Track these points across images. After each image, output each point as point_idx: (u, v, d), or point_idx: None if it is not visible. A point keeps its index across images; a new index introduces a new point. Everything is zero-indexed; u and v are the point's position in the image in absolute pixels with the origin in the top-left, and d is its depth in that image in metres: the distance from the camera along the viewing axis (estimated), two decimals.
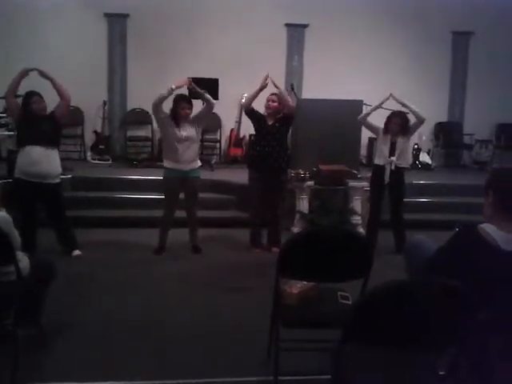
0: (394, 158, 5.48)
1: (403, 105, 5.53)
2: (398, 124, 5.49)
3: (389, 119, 5.58)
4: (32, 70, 4.92)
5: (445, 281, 1.94)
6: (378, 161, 5.67)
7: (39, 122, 4.90)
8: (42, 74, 4.96)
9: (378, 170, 5.61)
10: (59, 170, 5.05)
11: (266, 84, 5.29)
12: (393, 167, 5.49)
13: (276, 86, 5.34)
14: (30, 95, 4.95)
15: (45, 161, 4.85)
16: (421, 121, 5.52)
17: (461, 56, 9.52)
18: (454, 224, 2.39)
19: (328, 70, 8.56)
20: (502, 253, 2.14)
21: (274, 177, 5.39)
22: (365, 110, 6.08)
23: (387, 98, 5.62)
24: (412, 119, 5.62)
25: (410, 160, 5.77)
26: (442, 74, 9.39)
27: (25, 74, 4.92)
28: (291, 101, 5.57)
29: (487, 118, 9.24)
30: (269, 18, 8.68)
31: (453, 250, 2.25)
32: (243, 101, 8.36)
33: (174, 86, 5.13)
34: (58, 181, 5.03)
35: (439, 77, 9.32)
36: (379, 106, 5.66)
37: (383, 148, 5.56)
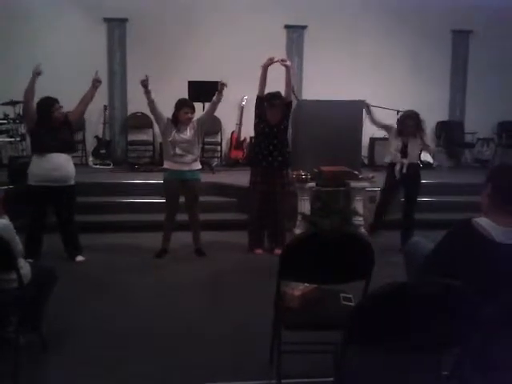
0: (405, 161, 5.53)
1: None
2: (411, 125, 5.50)
3: (401, 122, 5.59)
4: (38, 72, 4.83)
5: (446, 281, 1.93)
6: (389, 159, 5.72)
7: (59, 130, 4.97)
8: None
9: (391, 168, 5.66)
10: (74, 172, 5.14)
11: (270, 62, 5.27)
12: (404, 170, 5.52)
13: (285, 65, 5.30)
14: (52, 102, 4.95)
15: (66, 165, 5.01)
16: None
17: (461, 54, 9.53)
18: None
19: (328, 71, 8.57)
20: (497, 245, 2.16)
21: (275, 177, 5.40)
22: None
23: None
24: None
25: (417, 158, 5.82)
26: (442, 73, 9.39)
27: (36, 75, 4.84)
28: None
29: (488, 117, 9.23)
30: (268, 19, 8.68)
31: (448, 245, 2.28)
32: (244, 103, 8.45)
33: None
34: (73, 182, 5.12)
35: (440, 76, 9.32)
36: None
37: (395, 149, 5.59)
